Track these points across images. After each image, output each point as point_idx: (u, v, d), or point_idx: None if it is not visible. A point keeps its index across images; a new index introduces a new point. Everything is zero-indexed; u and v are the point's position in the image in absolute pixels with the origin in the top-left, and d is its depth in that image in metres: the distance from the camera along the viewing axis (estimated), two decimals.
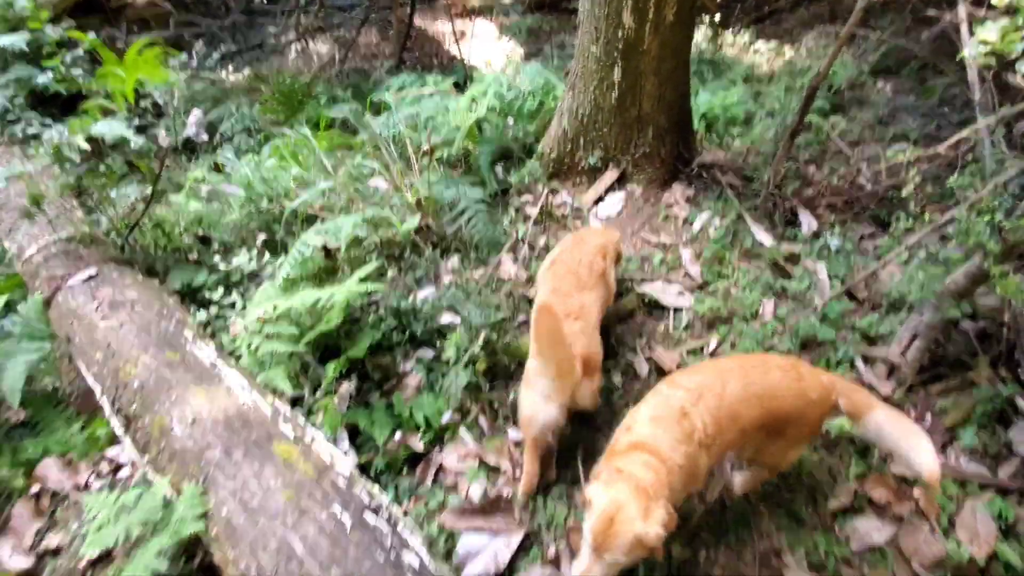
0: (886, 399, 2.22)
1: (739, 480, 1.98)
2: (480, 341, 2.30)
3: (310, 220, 2.97)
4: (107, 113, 2.70)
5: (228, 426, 1.78)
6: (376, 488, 1.75)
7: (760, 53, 5.22)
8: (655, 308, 2.73)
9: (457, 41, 5.86)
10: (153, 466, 1.84)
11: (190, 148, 4.57)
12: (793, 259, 2.88)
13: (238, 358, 2.30)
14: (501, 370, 2.42)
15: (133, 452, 1.94)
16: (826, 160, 3.56)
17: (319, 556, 1.41)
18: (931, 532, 1.89)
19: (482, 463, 2.13)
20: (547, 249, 3.07)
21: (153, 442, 1.84)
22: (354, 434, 2.20)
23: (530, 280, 2.84)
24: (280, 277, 2.36)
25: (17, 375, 2.36)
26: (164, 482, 1.71)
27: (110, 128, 2.51)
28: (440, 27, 6.98)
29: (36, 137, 2.67)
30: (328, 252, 2.61)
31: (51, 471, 2.46)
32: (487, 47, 6.46)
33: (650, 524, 1.33)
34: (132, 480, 2.28)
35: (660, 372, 2.43)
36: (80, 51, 2.90)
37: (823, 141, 3.67)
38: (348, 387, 2.25)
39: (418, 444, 2.15)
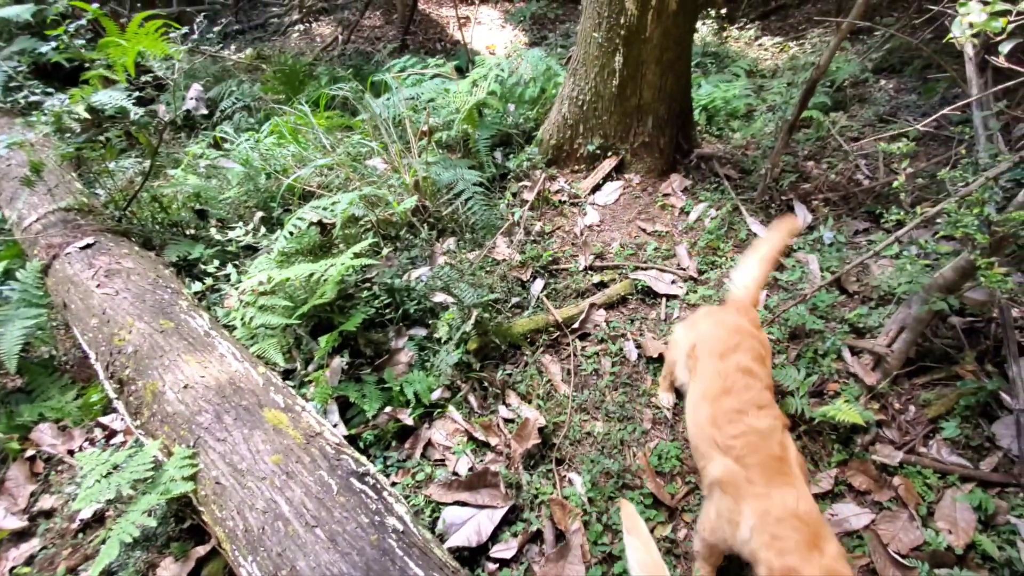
0: (871, 389, 2.25)
1: None
2: (472, 321, 2.32)
3: (307, 198, 2.98)
4: (108, 83, 2.70)
5: (220, 392, 1.80)
6: (363, 457, 1.78)
7: (765, 48, 5.22)
8: (648, 295, 2.75)
9: (461, 26, 5.85)
10: (145, 430, 1.86)
11: (189, 125, 4.57)
12: (786, 251, 2.90)
13: (232, 330, 2.32)
14: (492, 350, 2.44)
15: (125, 415, 1.96)
16: (825, 156, 3.57)
17: (305, 516, 1.44)
18: (909, 520, 1.92)
19: (470, 438, 2.16)
20: (542, 234, 3.08)
21: (145, 406, 1.86)
22: (345, 407, 2.23)
23: (523, 264, 2.85)
24: (276, 250, 2.37)
25: (14, 341, 2.38)
26: (155, 445, 1.73)
27: (110, 98, 2.52)
28: (444, 12, 6.97)
29: (38, 106, 2.67)
30: (324, 229, 2.62)
31: (45, 436, 2.49)
32: (491, 33, 6.45)
33: None
34: (125, 447, 2.32)
35: (649, 360, 2.46)
36: (83, 22, 2.91)
37: (823, 137, 3.67)
38: (340, 361, 2.27)
39: (407, 419, 2.18)
